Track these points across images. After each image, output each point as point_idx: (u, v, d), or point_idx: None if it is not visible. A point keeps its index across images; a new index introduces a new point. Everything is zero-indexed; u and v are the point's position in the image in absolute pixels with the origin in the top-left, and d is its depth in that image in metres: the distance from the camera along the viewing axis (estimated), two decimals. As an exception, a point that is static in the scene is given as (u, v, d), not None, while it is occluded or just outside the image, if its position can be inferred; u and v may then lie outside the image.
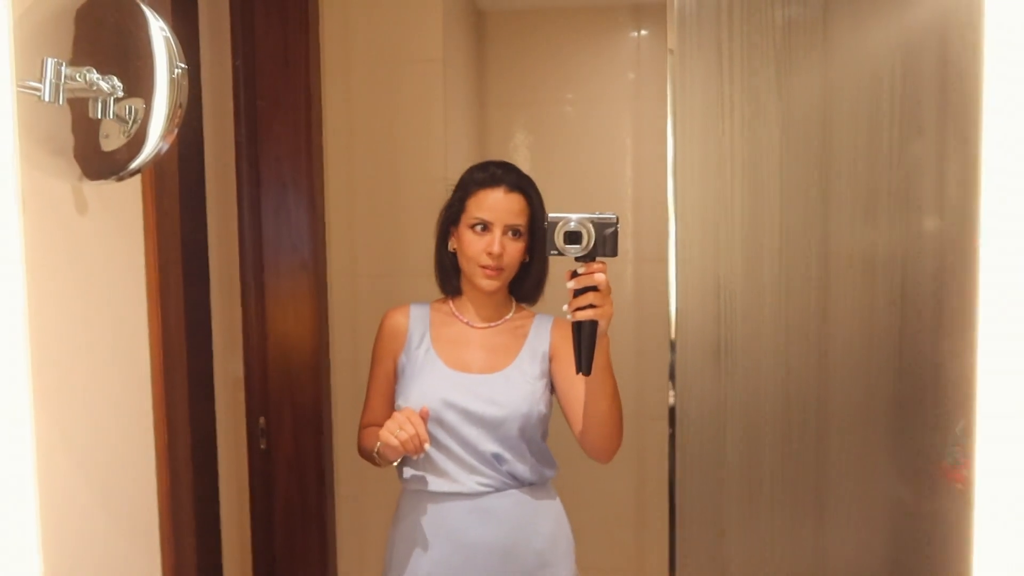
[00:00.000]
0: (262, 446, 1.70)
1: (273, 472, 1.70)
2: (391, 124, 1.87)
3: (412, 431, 1.22)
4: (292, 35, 1.66)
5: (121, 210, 1.00)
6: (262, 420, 1.69)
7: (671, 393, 1.94)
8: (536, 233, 1.36)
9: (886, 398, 1.77)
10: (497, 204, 1.33)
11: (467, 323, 1.40)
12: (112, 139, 0.79)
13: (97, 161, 0.80)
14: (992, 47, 0.55)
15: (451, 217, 1.38)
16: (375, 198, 1.92)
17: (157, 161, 0.77)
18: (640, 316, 2.41)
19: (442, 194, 1.93)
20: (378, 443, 1.29)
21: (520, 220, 1.34)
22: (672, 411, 1.94)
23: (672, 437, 1.93)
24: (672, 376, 1.93)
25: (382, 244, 1.95)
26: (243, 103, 1.67)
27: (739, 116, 1.77)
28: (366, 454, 1.39)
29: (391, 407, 1.38)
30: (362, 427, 1.42)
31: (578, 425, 1.31)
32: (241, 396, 1.73)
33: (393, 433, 1.23)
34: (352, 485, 1.88)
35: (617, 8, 2.41)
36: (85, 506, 0.94)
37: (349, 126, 1.89)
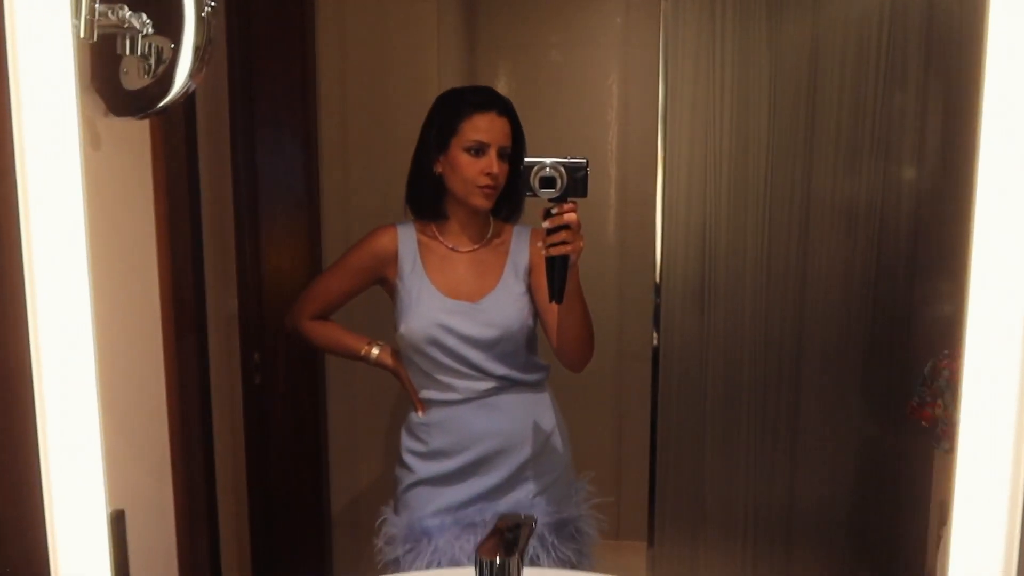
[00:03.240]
0: (256, 381, 1.73)
1: (268, 406, 1.74)
2: (385, 64, 1.87)
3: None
4: (285, -30, 1.64)
5: (130, 146, 1.01)
6: (256, 355, 1.72)
7: (655, 335, 2.02)
8: (518, 155, 1.44)
9: (859, 340, 1.85)
10: (493, 127, 1.40)
11: (452, 248, 1.47)
12: (134, 76, 0.80)
13: (120, 98, 0.81)
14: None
15: (440, 141, 1.42)
16: (369, 137, 1.93)
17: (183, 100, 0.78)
18: (622, 259, 2.46)
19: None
20: (375, 352, 1.50)
21: (509, 142, 1.43)
22: (655, 352, 2.01)
23: (655, 377, 2.02)
24: (656, 318, 2.00)
25: (375, 183, 1.97)
26: (237, 40, 1.66)
27: (730, 63, 1.79)
28: (334, 345, 1.54)
29: (343, 303, 1.53)
30: (306, 309, 1.52)
31: (554, 339, 1.43)
32: (235, 332, 1.76)
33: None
34: (345, 418, 1.93)
35: (607, -50, 2.39)
36: (107, 434, 0.97)
37: (343, 65, 1.88)
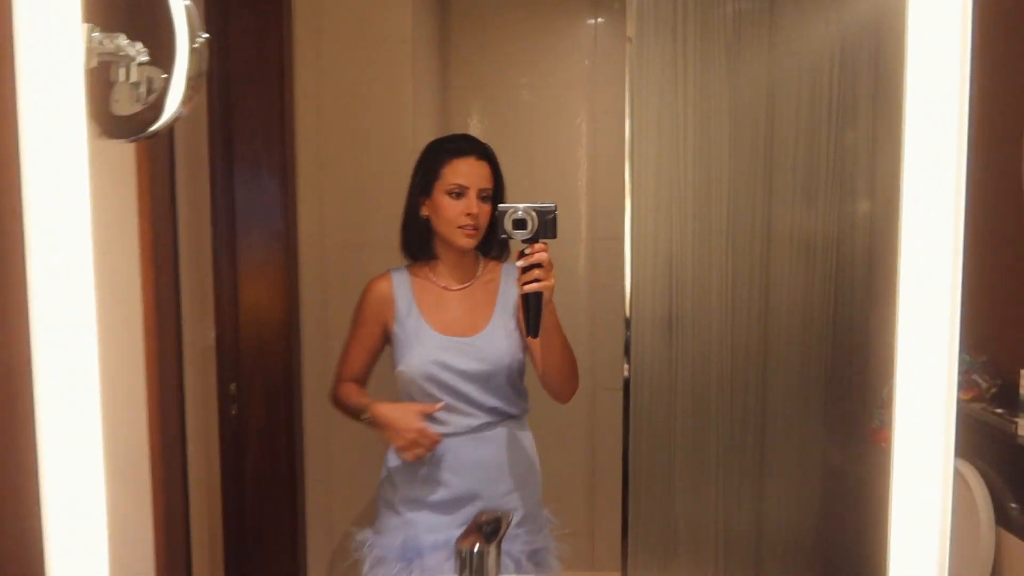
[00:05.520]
0: (233, 412, 1.75)
1: (244, 437, 1.75)
2: (361, 101, 1.93)
3: (422, 451, 1.47)
4: (265, 12, 1.70)
5: (117, 171, 1.04)
6: (233, 386, 1.74)
7: (626, 366, 2.06)
8: (499, 195, 1.54)
9: (821, 368, 1.91)
10: (471, 171, 1.50)
11: (444, 287, 1.55)
12: (125, 102, 0.85)
13: (111, 122, 0.86)
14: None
15: (424, 186, 1.52)
16: (344, 173, 1.98)
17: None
18: (593, 292, 2.52)
19: (409, 170, 2.01)
20: (367, 412, 1.50)
21: (489, 184, 1.52)
22: (627, 383, 2.05)
23: (626, 407, 2.06)
24: (627, 350, 2.05)
25: (350, 217, 2.02)
26: (216, 79, 1.71)
27: (692, 103, 1.88)
28: (346, 407, 1.56)
29: (372, 362, 1.58)
30: (340, 378, 1.58)
31: (539, 368, 1.52)
32: (212, 363, 1.77)
33: (404, 448, 1.48)
34: (321, 449, 1.95)
35: (575, -4, 2.50)
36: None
37: (319, 103, 1.94)
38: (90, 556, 0.75)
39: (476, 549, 0.68)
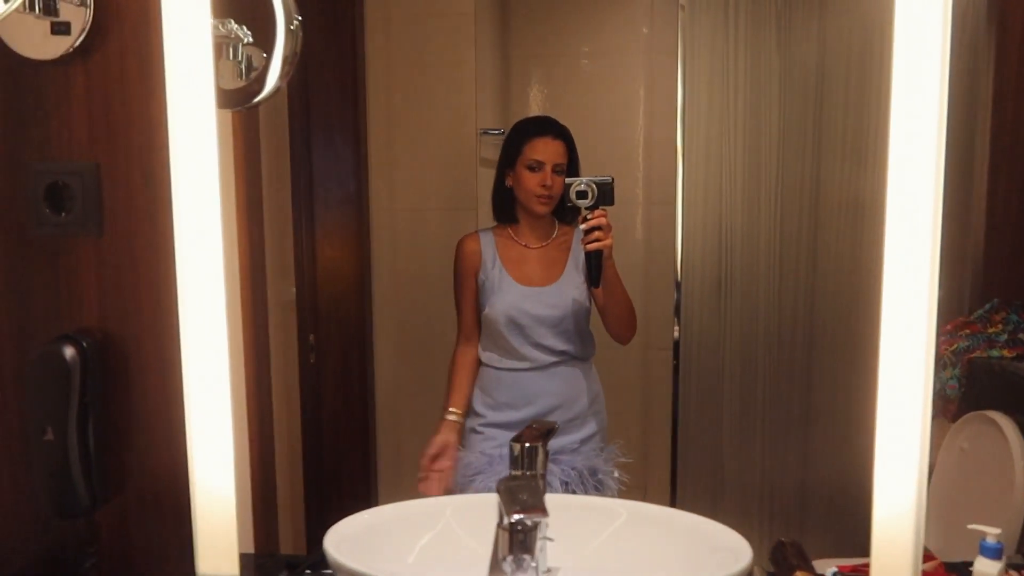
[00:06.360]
0: (311, 360, 1.92)
1: (321, 383, 1.92)
2: (426, 72, 2.06)
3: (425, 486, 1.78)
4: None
5: (222, 138, 1.18)
6: (312, 337, 1.90)
7: (676, 327, 2.16)
8: (574, 168, 1.78)
9: (867, 325, 1.95)
10: (547, 148, 1.75)
11: (524, 245, 1.82)
12: (229, 77, 0.99)
13: (218, 94, 1.00)
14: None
15: (509, 160, 1.78)
16: (412, 141, 2.12)
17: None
18: (648, 255, 2.60)
19: (472, 138, 2.14)
20: (447, 418, 1.82)
21: (563, 160, 1.76)
22: (676, 344, 2.16)
23: (676, 367, 2.16)
24: (677, 312, 2.15)
25: (418, 181, 2.16)
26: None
27: (743, 69, 1.94)
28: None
29: (473, 306, 1.84)
30: (462, 334, 1.86)
31: (601, 313, 1.79)
32: (292, 317, 1.93)
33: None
34: (390, 393, 2.12)
35: (632, -34, 2.55)
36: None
37: (389, 75, 2.07)
38: (222, 471, 0.89)
39: (528, 445, 0.81)
